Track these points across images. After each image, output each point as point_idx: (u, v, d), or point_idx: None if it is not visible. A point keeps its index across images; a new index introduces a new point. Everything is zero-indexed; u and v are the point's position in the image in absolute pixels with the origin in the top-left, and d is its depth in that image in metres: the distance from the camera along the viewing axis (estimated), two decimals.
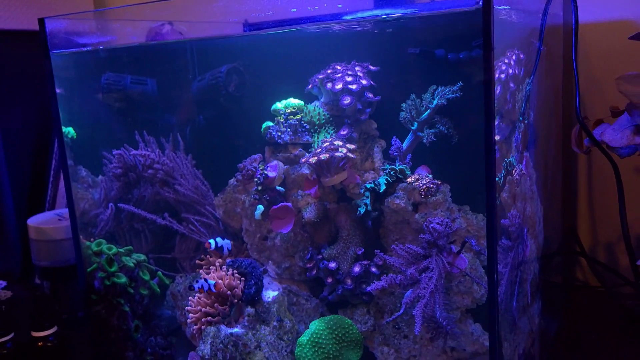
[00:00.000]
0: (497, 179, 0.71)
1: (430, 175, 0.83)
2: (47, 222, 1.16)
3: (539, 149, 0.88)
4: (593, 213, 1.19)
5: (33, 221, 1.17)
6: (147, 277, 0.95)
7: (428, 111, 0.83)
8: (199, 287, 0.89)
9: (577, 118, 0.88)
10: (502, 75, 0.69)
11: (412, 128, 0.85)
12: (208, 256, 0.96)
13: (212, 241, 0.94)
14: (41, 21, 0.91)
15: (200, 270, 0.93)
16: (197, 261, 0.97)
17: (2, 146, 1.44)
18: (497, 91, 0.72)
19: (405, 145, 0.87)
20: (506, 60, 0.69)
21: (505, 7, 0.66)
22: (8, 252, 1.46)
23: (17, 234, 1.44)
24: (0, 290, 1.37)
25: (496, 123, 0.72)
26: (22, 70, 1.42)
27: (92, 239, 0.97)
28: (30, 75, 1.42)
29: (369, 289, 0.78)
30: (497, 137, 0.72)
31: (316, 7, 0.83)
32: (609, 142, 0.83)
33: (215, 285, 0.88)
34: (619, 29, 1.04)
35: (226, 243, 0.95)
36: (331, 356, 0.86)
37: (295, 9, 0.86)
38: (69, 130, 1.00)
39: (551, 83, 0.96)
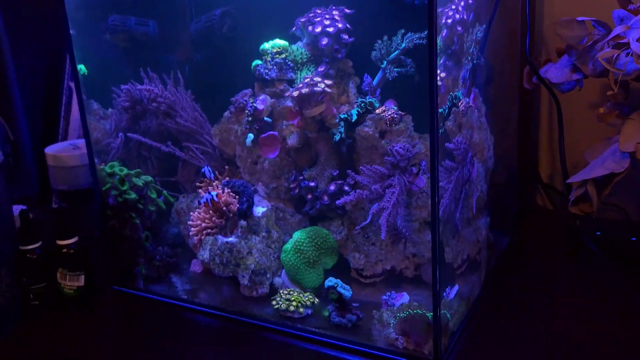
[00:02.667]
0: (441, 110, 0.84)
1: (396, 108, 0.97)
2: (63, 150, 1.30)
3: (492, 86, 1.01)
4: (552, 145, 1.33)
5: (51, 150, 1.31)
6: (154, 195, 1.10)
7: (396, 52, 0.95)
8: (204, 202, 1.04)
9: (526, 58, 1.01)
10: (449, 21, 0.81)
11: (382, 66, 0.98)
12: (206, 179, 1.10)
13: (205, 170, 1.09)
14: None
15: (200, 190, 1.08)
16: (197, 184, 1.11)
17: (16, 84, 1.56)
18: (444, 34, 0.85)
19: (375, 81, 1.00)
20: (453, 7, 0.81)
21: None
22: (26, 180, 1.61)
23: (34, 165, 1.58)
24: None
25: (441, 62, 0.85)
26: (35, 10, 1.52)
27: (104, 164, 1.12)
28: (39, 13, 1.52)
29: (338, 202, 0.94)
30: (442, 74, 0.85)
31: None
32: (551, 79, 0.96)
33: (217, 195, 1.03)
34: None
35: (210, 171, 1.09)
36: (311, 260, 1.02)
37: None
38: (80, 67, 1.12)
39: (507, 25, 1.08)
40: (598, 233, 1.16)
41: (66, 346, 0.96)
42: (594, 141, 1.03)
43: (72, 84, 1.50)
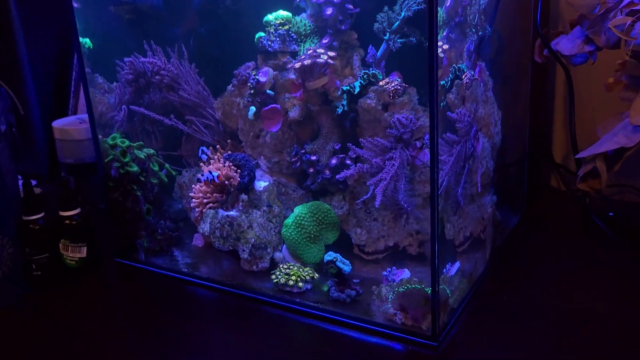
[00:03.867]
0: (443, 82, 0.82)
1: (400, 80, 0.94)
2: (70, 124, 1.31)
3: (499, 59, 0.98)
4: (566, 123, 1.29)
5: (57, 123, 1.32)
6: (156, 168, 1.10)
7: (397, 22, 0.93)
8: (204, 180, 1.03)
9: (536, 30, 0.97)
10: None
11: (385, 38, 0.96)
12: (208, 152, 1.09)
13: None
14: None
15: (201, 164, 1.07)
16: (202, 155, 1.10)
17: (27, 60, 1.56)
18: (448, 4, 0.82)
19: (379, 53, 0.97)
20: None
21: None
22: (37, 156, 1.62)
23: (44, 141, 1.59)
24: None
25: (444, 34, 0.83)
26: None
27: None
28: None
29: (339, 176, 0.92)
30: (445, 46, 0.83)
31: None
32: (562, 51, 0.93)
33: (218, 176, 1.02)
34: None
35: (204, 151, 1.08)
36: (312, 235, 1.01)
37: None
38: (85, 41, 1.12)
39: None
40: (611, 214, 1.12)
41: (67, 317, 0.96)
42: (606, 117, 0.99)
43: None
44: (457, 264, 0.90)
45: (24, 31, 1.53)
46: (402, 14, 0.90)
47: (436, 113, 0.75)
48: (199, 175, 1.04)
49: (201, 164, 1.07)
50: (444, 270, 0.86)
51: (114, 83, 1.18)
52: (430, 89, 0.74)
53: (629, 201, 1.23)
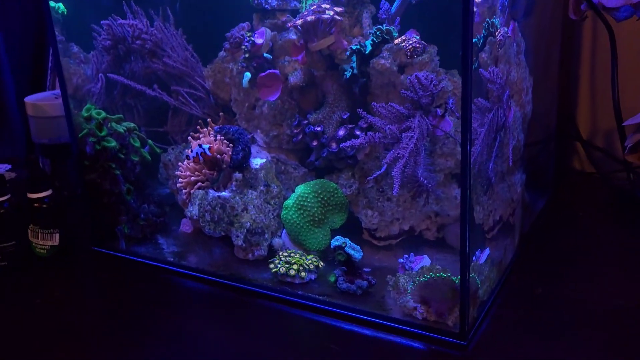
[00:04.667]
0: (475, 39, 0.69)
1: (418, 37, 0.81)
2: (44, 99, 1.18)
3: (532, 19, 0.86)
4: (594, 97, 1.17)
5: (30, 99, 1.18)
6: (137, 144, 0.97)
7: None
8: (193, 156, 0.90)
9: None
10: None
11: None
12: (199, 127, 0.96)
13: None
14: None
15: (189, 138, 0.94)
16: (191, 134, 0.97)
17: (1, 34, 1.43)
18: None
19: (394, 8, 0.85)
20: None
21: None
22: (12, 139, 1.50)
23: (21, 122, 1.46)
24: (5, 173, 1.41)
25: None
26: None
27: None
28: None
29: (344, 144, 0.79)
30: None
31: None
32: (605, 2, 0.80)
33: (209, 148, 0.89)
34: None
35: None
36: (316, 219, 0.88)
37: None
38: (58, 6, 0.99)
39: None
40: None
41: (37, 311, 0.84)
42: None
43: None
44: (487, 251, 0.78)
45: None
46: None
47: (470, 71, 0.62)
48: (187, 151, 0.92)
49: (189, 138, 0.94)
50: (474, 257, 0.74)
51: (91, 52, 1.05)
52: (464, 45, 0.62)
53: None
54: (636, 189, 0.95)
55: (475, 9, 0.72)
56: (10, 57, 1.46)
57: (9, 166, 1.44)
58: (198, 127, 0.95)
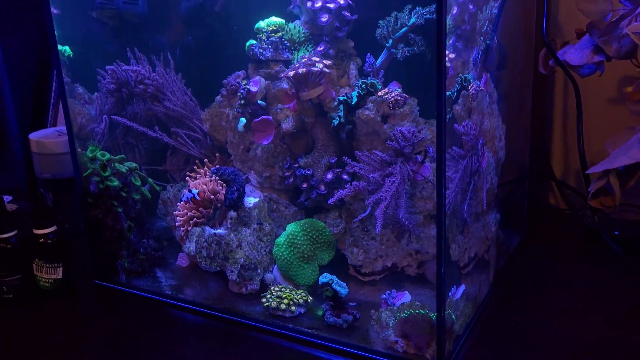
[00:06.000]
0: (449, 93, 0.76)
1: (400, 90, 0.89)
2: (48, 136, 1.24)
3: (505, 71, 0.93)
4: (566, 139, 1.25)
5: (35, 136, 1.24)
6: (138, 183, 1.03)
7: (404, 29, 0.88)
8: (184, 200, 0.97)
9: (543, 39, 0.93)
10: None
11: (387, 45, 0.90)
12: (196, 167, 1.03)
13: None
14: None
15: (187, 178, 1.00)
16: (187, 173, 1.03)
17: (4, 68, 1.49)
18: (455, 11, 0.77)
19: (379, 62, 0.92)
20: None
21: None
22: (14, 170, 1.55)
23: (22, 153, 1.52)
24: (7, 204, 1.46)
25: (451, 42, 0.78)
26: None
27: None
28: None
29: (331, 200, 0.86)
30: (451, 55, 0.78)
31: None
32: (570, 61, 0.88)
33: (198, 193, 0.95)
34: None
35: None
36: (306, 255, 0.94)
37: None
38: (65, 49, 1.05)
39: (523, 7, 1.00)
40: (616, 233, 1.07)
41: (41, 343, 0.88)
42: (614, 131, 0.95)
43: None
44: (462, 287, 0.84)
45: (0, 39, 1.46)
46: (412, 20, 0.85)
47: (444, 125, 0.70)
48: (184, 191, 0.98)
49: (187, 178, 1.00)
50: (449, 293, 0.80)
51: (95, 93, 1.12)
52: (438, 100, 0.69)
53: (632, 220, 1.18)
54: (601, 229, 1.03)
55: (449, 64, 0.80)
56: (14, 93, 1.51)
57: (10, 197, 1.49)
58: (195, 166, 1.02)
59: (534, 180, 1.22)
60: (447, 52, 0.75)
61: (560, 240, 1.14)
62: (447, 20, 0.77)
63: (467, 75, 0.83)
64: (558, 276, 1.00)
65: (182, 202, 0.98)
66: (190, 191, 0.96)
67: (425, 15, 0.85)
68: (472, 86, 0.83)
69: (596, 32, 0.84)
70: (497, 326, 0.87)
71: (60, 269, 0.99)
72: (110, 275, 1.04)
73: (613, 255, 1.04)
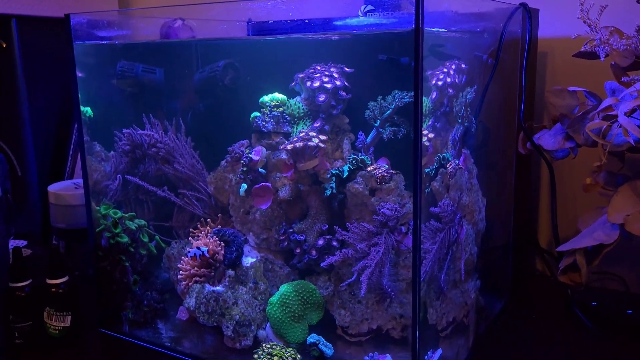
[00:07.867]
0: (427, 170, 0.85)
1: (387, 166, 0.97)
2: (65, 189, 1.33)
3: (484, 148, 1.02)
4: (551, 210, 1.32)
5: (53, 188, 1.34)
6: (146, 239, 1.11)
7: (388, 111, 0.97)
8: (191, 255, 1.04)
9: (520, 124, 1.01)
10: (440, 82, 0.82)
11: (375, 125, 0.99)
12: (199, 225, 1.11)
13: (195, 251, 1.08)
14: (67, 16, 1.07)
15: (190, 238, 1.08)
16: (190, 230, 1.12)
17: (29, 121, 1.60)
18: (434, 95, 0.86)
19: (369, 139, 1.01)
20: (445, 70, 0.83)
21: (441, 30, 0.80)
22: (30, 216, 1.63)
23: (39, 201, 1.61)
24: (22, 249, 1.54)
25: (430, 122, 0.86)
26: (49, 53, 1.58)
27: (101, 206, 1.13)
28: (56, 58, 1.58)
29: (323, 264, 0.94)
30: (431, 135, 0.86)
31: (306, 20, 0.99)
32: (544, 145, 0.97)
33: (207, 251, 1.03)
34: (577, 44, 1.17)
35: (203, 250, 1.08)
36: (297, 315, 1.01)
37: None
38: (87, 110, 1.15)
39: (504, 91, 1.09)
40: (594, 304, 1.13)
41: None
42: (588, 209, 1.02)
43: None
44: (439, 352, 0.90)
45: (28, 91, 1.58)
46: (394, 104, 0.94)
47: (419, 203, 0.78)
48: (188, 250, 1.06)
49: (190, 238, 1.08)
50: (426, 357, 0.86)
51: (111, 152, 1.21)
52: (414, 179, 0.77)
53: (611, 289, 1.24)
54: (573, 301, 1.08)
55: (428, 143, 0.88)
56: (35, 144, 1.62)
57: (25, 242, 1.58)
58: (199, 224, 1.10)
59: (519, 248, 1.28)
60: (426, 132, 0.84)
61: (544, 306, 1.19)
62: (427, 102, 0.87)
63: (445, 154, 0.91)
64: (539, 342, 1.05)
65: (187, 258, 1.05)
66: (199, 248, 1.04)
67: (405, 99, 0.94)
68: (450, 164, 0.91)
69: (566, 122, 0.93)
70: None
71: (69, 317, 1.06)
72: (115, 324, 1.11)
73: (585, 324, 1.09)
